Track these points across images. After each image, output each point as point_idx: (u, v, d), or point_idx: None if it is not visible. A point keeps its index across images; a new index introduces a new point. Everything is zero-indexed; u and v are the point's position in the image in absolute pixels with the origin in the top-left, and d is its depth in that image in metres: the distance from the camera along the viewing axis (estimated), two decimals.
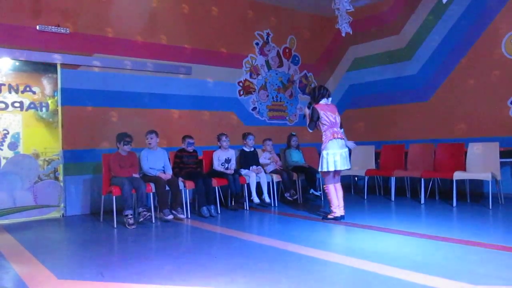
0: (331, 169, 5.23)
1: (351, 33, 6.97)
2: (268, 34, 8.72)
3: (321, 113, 5.30)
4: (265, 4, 8.62)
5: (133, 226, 5.28)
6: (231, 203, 6.45)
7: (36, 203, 6.01)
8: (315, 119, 5.33)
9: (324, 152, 5.27)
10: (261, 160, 7.09)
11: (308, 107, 5.56)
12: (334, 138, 5.25)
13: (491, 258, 3.60)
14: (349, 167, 5.40)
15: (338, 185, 5.39)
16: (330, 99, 5.52)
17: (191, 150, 6.41)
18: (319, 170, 5.39)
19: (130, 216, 5.35)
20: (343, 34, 6.98)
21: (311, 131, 5.46)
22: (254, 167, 6.80)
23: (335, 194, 5.34)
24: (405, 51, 8.35)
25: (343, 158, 5.26)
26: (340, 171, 5.35)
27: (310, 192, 6.86)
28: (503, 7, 6.98)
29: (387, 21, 8.61)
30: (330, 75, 9.68)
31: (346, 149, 5.35)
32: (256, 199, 6.48)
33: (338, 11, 6.72)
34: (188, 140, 6.35)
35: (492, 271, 3.23)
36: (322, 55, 9.64)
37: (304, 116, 5.63)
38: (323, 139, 5.33)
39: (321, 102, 5.42)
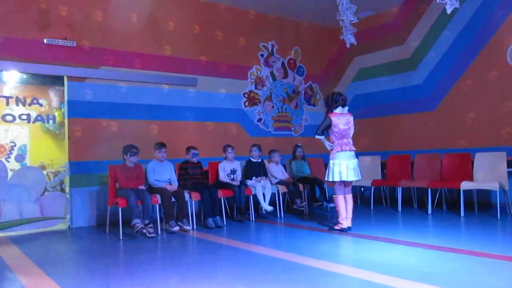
0: (336, 179, 5.20)
1: (355, 44, 7.00)
2: (273, 46, 8.77)
3: (334, 122, 5.21)
4: (269, 15, 8.69)
5: (153, 235, 5.34)
6: (237, 214, 6.44)
7: (42, 215, 6.03)
8: (325, 125, 5.22)
9: (331, 162, 5.25)
10: (278, 176, 7.04)
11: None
12: (342, 150, 5.20)
13: (499, 269, 3.56)
14: (358, 178, 5.28)
15: (349, 197, 5.32)
16: (346, 108, 5.34)
17: (196, 161, 6.42)
18: (325, 179, 5.38)
19: (151, 225, 5.40)
20: (348, 45, 7.01)
21: (318, 137, 5.29)
22: (260, 177, 6.78)
23: (344, 205, 5.29)
24: (410, 61, 8.35)
25: (350, 169, 5.18)
26: (350, 182, 5.29)
27: (324, 206, 6.87)
28: (508, 17, 6.98)
29: (391, 31, 8.64)
30: (335, 86, 9.68)
31: (356, 160, 5.28)
32: (267, 207, 6.41)
33: (343, 22, 6.76)
34: (192, 151, 6.36)
35: (501, 282, 3.19)
36: (327, 66, 9.66)
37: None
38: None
39: (336, 111, 5.27)
